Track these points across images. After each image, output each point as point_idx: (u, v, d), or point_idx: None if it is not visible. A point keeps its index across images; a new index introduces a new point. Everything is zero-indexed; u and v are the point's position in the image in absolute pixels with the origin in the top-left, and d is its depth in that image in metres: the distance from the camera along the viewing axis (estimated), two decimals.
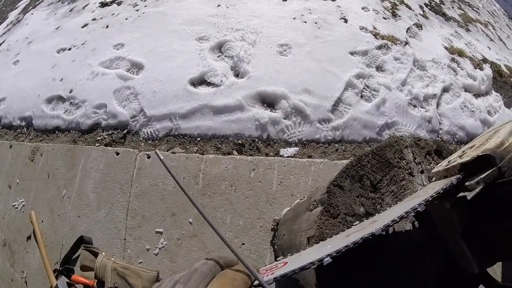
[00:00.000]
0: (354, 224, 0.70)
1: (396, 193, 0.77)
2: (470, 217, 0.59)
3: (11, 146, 2.43)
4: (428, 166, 0.81)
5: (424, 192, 0.66)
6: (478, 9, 4.40)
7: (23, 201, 2.13)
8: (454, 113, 2.33)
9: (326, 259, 0.49)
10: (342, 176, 0.78)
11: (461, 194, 0.57)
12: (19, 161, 2.31)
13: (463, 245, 0.60)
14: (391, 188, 0.78)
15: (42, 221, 2.01)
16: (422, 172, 0.81)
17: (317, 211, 0.75)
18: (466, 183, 0.57)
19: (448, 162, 0.66)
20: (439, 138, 2.20)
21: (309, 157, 1.90)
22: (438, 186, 0.60)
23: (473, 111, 2.41)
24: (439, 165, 0.71)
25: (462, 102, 2.42)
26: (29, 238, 2.00)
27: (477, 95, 2.57)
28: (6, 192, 2.25)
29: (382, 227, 0.55)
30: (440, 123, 2.27)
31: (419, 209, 0.56)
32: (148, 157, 1.94)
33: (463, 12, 3.90)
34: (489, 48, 3.36)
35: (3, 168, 2.36)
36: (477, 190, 0.55)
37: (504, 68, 3.11)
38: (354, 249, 0.61)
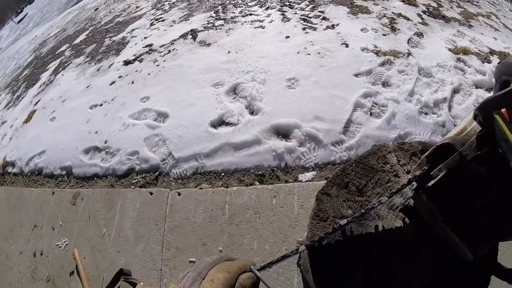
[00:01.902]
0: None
1: (382, 194, 0.82)
2: (449, 204, 0.61)
3: (53, 193, 2.70)
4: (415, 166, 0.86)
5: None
6: (477, 2, 4.27)
7: (66, 241, 2.34)
8: (468, 112, 2.26)
9: (301, 247, 0.59)
10: (329, 185, 0.85)
11: (430, 183, 0.61)
12: (61, 206, 2.56)
13: (449, 232, 0.62)
14: (377, 190, 0.83)
15: (85, 257, 2.19)
16: (408, 172, 0.85)
17: (310, 216, 0.83)
18: (431, 173, 0.61)
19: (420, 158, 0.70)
20: None
21: (327, 179, 1.97)
22: (405, 180, 0.66)
23: None
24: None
25: (475, 99, 2.38)
26: (72, 273, 2.18)
27: (490, 89, 2.51)
28: (49, 234, 2.48)
29: (349, 218, 0.63)
30: (454, 125, 2.21)
31: (382, 200, 0.63)
32: (179, 194, 2.15)
33: (463, 9, 3.83)
34: (495, 38, 3.26)
35: (47, 213, 2.61)
36: (439, 176, 0.59)
37: None
38: (340, 245, 0.70)
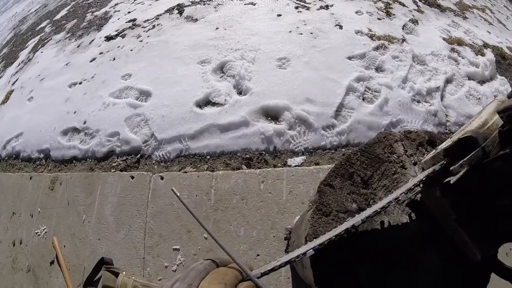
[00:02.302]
0: (347, 220, 0.68)
1: (388, 187, 0.76)
2: (463, 202, 0.58)
3: (31, 178, 2.56)
4: (421, 157, 0.79)
5: (412, 182, 0.64)
6: None
7: (45, 228, 2.24)
8: (460, 103, 2.31)
9: (309, 251, 0.51)
10: (332, 176, 0.78)
11: (448, 179, 0.56)
12: (39, 191, 2.43)
13: (461, 231, 0.59)
14: (383, 183, 0.77)
15: (64, 246, 2.10)
16: (415, 164, 0.80)
17: (311, 211, 0.75)
18: (451, 168, 0.56)
19: (435, 150, 0.65)
20: (447, 130, 2.18)
21: (317, 164, 1.95)
22: (422, 175, 0.60)
23: (479, 98, 2.38)
24: (428, 154, 0.70)
25: (467, 91, 2.40)
26: (52, 263, 2.09)
27: (482, 82, 2.54)
28: (28, 221, 2.36)
29: (363, 218, 0.56)
30: (446, 115, 2.25)
31: (400, 198, 0.57)
32: (162, 178, 2.03)
33: (459, 0, 3.85)
34: (489, 32, 3.31)
35: (25, 199, 2.49)
36: (461, 173, 0.54)
37: (506, 50, 3.05)
38: (345, 244, 0.64)
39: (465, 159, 0.54)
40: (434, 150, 0.66)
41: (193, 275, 0.40)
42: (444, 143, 0.62)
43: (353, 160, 0.80)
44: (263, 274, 0.45)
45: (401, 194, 0.57)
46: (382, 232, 0.70)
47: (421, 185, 0.65)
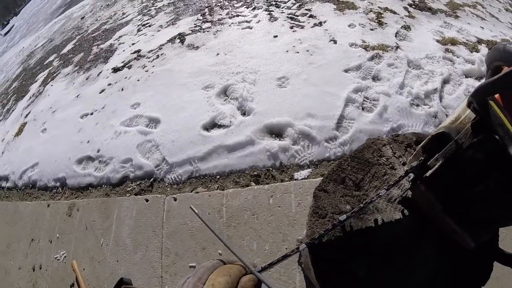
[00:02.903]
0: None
1: (379, 187, 0.81)
2: (447, 193, 0.60)
3: (48, 205, 2.67)
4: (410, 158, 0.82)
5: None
6: None
7: (64, 253, 2.32)
8: (459, 102, 2.30)
9: (301, 245, 0.57)
10: (325, 182, 0.83)
11: (428, 173, 0.60)
12: (57, 218, 2.53)
13: (450, 221, 0.61)
14: (374, 184, 0.82)
15: (84, 269, 2.17)
16: (404, 164, 0.84)
17: (308, 214, 0.81)
18: (428, 163, 0.60)
19: (416, 148, 0.69)
20: None
21: (322, 175, 2.01)
22: (402, 171, 0.66)
23: None
24: (412, 153, 0.73)
25: (465, 89, 2.41)
26: (72, 286, 2.16)
27: (480, 78, 2.54)
28: (47, 247, 2.45)
29: (348, 213, 0.61)
30: (446, 115, 2.24)
31: (380, 194, 0.62)
32: (175, 199, 2.14)
33: (449, 0, 3.87)
34: (482, 28, 3.30)
35: (43, 226, 2.59)
36: (436, 166, 0.58)
37: None
38: (340, 241, 0.69)
39: (439, 153, 0.58)
40: (416, 149, 0.69)
41: (202, 271, 0.47)
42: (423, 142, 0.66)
43: (344, 166, 0.85)
44: (263, 269, 0.52)
45: (382, 190, 0.63)
46: (376, 229, 0.75)
47: (409, 182, 0.69)
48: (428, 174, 0.60)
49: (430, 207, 0.65)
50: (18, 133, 3.96)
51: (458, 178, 0.59)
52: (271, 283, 0.55)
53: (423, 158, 0.63)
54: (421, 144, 0.64)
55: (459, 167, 0.58)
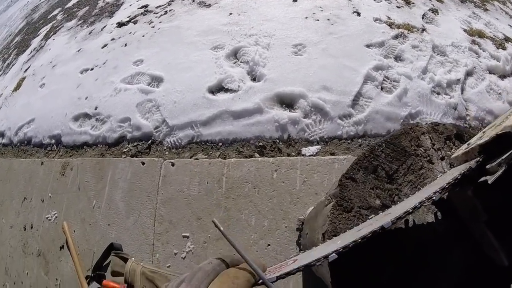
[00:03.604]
0: (369, 217, 0.64)
1: (414, 182, 0.71)
2: (495, 203, 0.54)
3: (42, 163, 2.56)
4: (449, 152, 0.74)
5: (443, 180, 0.60)
6: None
7: (55, 213, 2.24)
8: (481, 97, 2.22)
9: (332, 255, 0.45)
10: (355, 168, 0.73)
11: (483, 178, 0.51)
12: (50, 177, 2.43)
13: (490, 235, 0.54)
14: (409, 178, 0.72)
15: (74, 231, 2.09)
16: (442, 158, 0.74)
17: (330, 205, 0.70)
18: (487, 166, 0.51)
19: (468, 145, 0.60)
20: (466, 125, 2.10)
21: (332, 154, 1.88)
22: (456, 172, 0.55)
23: (500, 93, 2.27)
24: (459, 149, 0.65)
25: (488, 85, 2.31)
26: (62, 247, 2.10)
27: (503, 76, 2.44)
28: (39, 206, 2.37)
29: (393, 219, 0.50)
30: (466, 109, 2.16)
31: (434, 198, 0.51)
32: (172, 164, 2.00)
33: None
34: (510, 26, 3.19)
35: (36, 184, 2.50)
36: (499, 172, 0.49)
37: None
38: (367, 243, 0.58)
39: (503, 157, 0.49)
40: (466, 145, 0.60)
41: (200, 277, 0.35)
42: (475, 138, 0.57)
43: (378, 152, 0.74)
44: (278, 278, 0.40)
45: (435, 193, 0.51)
46: (406, 231, 0.65)
47: (454, 184, 0.58)
48: (490, 180, 0.49)
49: (472, 215, 0.57)
50: (16, 88, 3.81)
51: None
52: None
53: (480, 160, 0.53)
54: (481, 142, 0.54)
55: None
